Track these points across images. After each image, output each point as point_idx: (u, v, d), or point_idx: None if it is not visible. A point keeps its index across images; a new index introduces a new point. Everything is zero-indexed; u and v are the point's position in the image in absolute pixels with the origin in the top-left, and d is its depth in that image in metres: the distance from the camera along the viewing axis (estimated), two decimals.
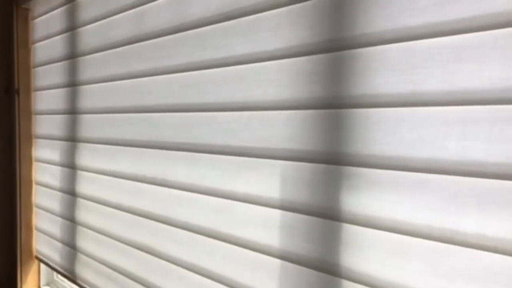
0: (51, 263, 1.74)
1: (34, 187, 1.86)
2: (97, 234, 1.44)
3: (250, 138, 0.93)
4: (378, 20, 0.71)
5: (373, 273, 0.74)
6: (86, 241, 1.50)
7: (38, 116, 1.80)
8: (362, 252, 0.76)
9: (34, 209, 1.86)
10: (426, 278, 0.68)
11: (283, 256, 0.88)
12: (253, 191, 0.93)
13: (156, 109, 1.17)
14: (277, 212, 0.88)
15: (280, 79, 0.86)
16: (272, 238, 0.90)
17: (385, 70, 0.70)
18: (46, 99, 1.73)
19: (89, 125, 1.45)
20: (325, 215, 0.80)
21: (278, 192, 0.88)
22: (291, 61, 0.84)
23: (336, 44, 0.77)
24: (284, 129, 0.86)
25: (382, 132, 0.72)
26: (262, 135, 0.90)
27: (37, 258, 1.86)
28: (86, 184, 1.49)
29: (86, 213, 1.50)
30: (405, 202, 0.70)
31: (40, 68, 1.76)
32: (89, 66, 1.43)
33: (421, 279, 0.68)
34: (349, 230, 0.77)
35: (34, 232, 1.87)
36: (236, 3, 0.94)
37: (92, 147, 1.44)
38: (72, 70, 1.53)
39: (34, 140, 1.84)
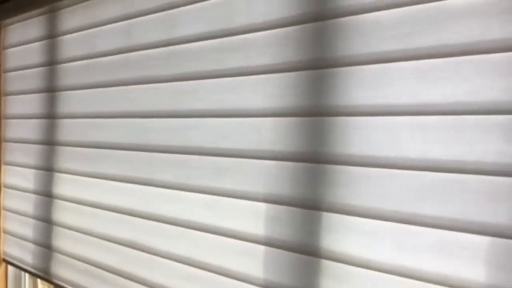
0: (20, 265, 1.77)
1: (3, 190, 1.88)
2: (77, 234, 1.51)
3: (239, 141, 1.06)
4: (356, 45, 0.87)
5: (349, 252, 0.90)
6: (64, 241, 1.56)
7: (8, 121, 1.84)
8: (339, 235, 0.91)
9: (2, 212, 1.89)
10: (393, 253, 0.84)
11: (268, 243, 1.02)
12: (241, 188, 1.07)
13: (145, 115, 1.28)
14: (263, 205, 1.02)
15: (267, 91, 1.01)
16: (258, 227, 1.04)
17: (361, 86, 0.87)
18: (19, 103, 1.77)
19: (70, 129, 1.52)
20: (307, 205, 0.95)
21: (264, 187, 1.02)
22: (278, 75, 0.99)
23: (319, 63, 0.92)
24: (270, 133, 1.01)
25: (358, 136, 0.88)
26: (250, 138, 1.04)
27: (4, 260, 1.88)
28: (66, 186, 1.55)
29: (65, 214, 1.56)
30: (375, 192, 0.86)
31: (12, 74, 1.80)
32: (72, 73, 1.51)
33: (389, 254, 0.85)
34: (328, 218, 0.92)
35: (2, 235, 1.89)
36: (227, 23, 1.08)
37: (73, 150, 1.51)
38: (51, 76, 1.60)
39: (3, 144, 1.87)
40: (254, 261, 1.05)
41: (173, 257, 1.22)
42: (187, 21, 1.16)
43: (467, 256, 0.77)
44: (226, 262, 1.10)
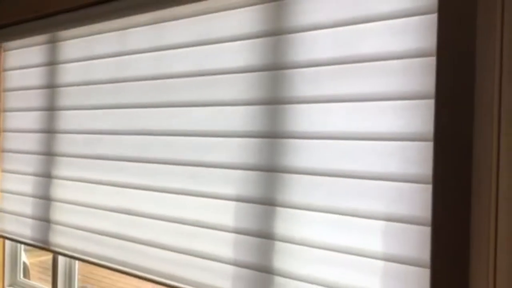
0: (17, 238, 2.05)
1: (1, 174, 2.15)
2: (76, 207, 1.82)
3: (216, 124, 1.42)
4: (300, 54, 1.25)
5: (295, 200, 1.27)
6: (63, 214, 1.86)
7: (7, 114, 2.11)
8: (289, 188, 1.28)
9: (0, 194, 2.16)
10: (325, 198, 1.22)
11: (238, 199, 1.38)
12: (217, 159, 1.42)
13: (137, 106, 1.61)
14: (234, 171, 1.38)
15: (239, 86, 1.37)
16: (230, 188, 1.39)
17: (303, 82, 1.25)
18: (18, 96, 2.06)
19: (69, 119, 1.83)
20: (268, 169, 1.32)
21: (236, 158, 1.38)
22: (247, 74, 1.36)
23: (276, 66, 1.30)
24: (241, 118, 1.37)
25: (301, 117, 1.26)
26: (225, 122, 1.40)
27: (1, 236, 2.14)
28: (66, 167, 1.86)
29: (63, 191, 1.86)
30: (313, 156, 1.24)
31: (11, 72, 2.09)
32: (70, 72, 1.82)
33: (323, 199, 1.22)
34: (282, 177, 1.30)
35: None
36: (206, 34, 1.44)
37: (72, 137, 1.83)
38: (52, 77, 1.90)
39: (2, 134, 2.14)
40: (227, 214, 1.40)
41: (162, 218, 1.56)
42: (174, 31, 1.52)
43: (374, 195, 1.16)
44: (205, 217, 1.45)
